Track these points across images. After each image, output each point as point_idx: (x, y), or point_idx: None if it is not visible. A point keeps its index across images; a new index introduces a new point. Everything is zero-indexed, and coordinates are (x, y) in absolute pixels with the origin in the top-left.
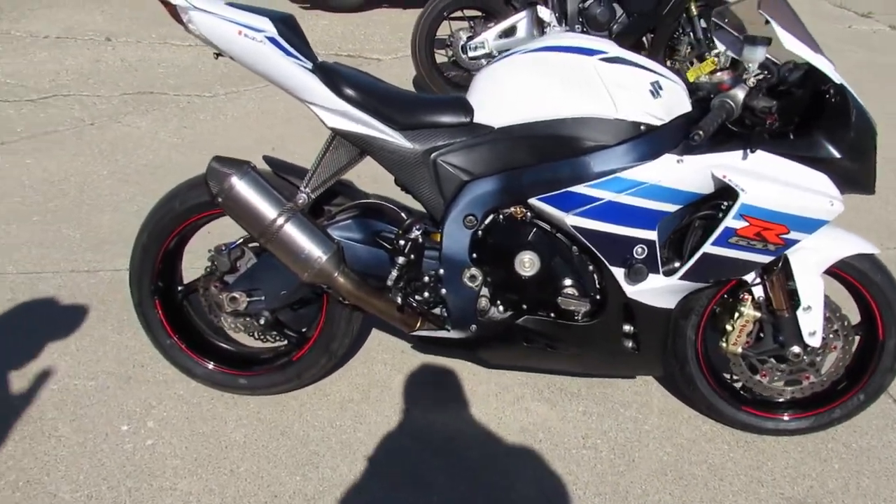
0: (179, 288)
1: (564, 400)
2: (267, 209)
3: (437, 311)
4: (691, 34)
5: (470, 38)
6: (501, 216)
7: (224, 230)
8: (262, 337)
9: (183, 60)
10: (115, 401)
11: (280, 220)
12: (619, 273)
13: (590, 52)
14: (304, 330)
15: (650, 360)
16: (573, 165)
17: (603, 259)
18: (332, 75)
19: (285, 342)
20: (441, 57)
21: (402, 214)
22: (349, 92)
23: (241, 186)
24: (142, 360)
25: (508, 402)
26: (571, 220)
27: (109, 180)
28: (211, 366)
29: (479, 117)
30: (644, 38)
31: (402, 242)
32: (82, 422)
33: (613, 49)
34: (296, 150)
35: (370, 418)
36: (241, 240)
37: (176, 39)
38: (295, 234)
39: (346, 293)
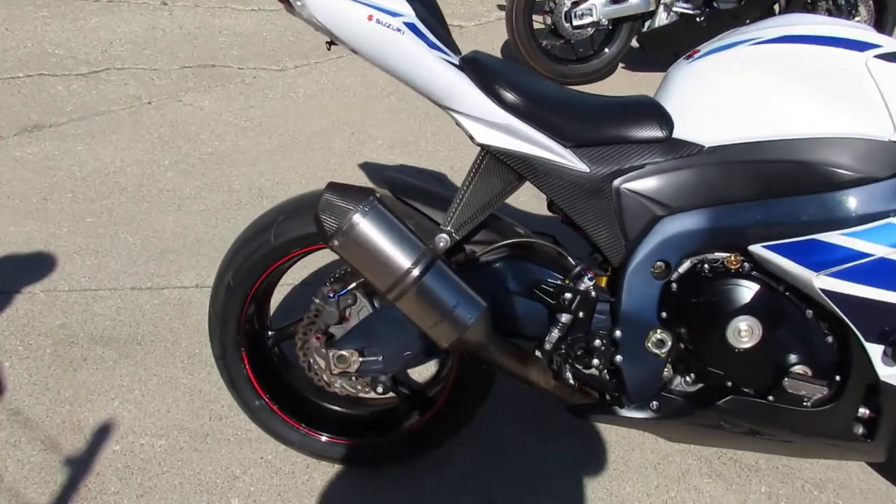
0: (270, 333)
1: (742, 476)
2: (399, 257)
3: (605, 378)
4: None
5: (575, 4)
6: (706, 265)
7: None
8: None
9: (245, 27)
10: (191, 468)
11: (416, 272)
12: (875, 350)
13: (858, 45)
14: (427, 391)
15: (879, 448)
16: (824, 204)
17: (857, 332)
18: (486, 74)
19: (402, 405)
20: (538, 24)
21: (568, 258)
22: (509, 96)
23: (366, 226)
24: (219, 411)
25: (672, 478)
26: (822, 282)
27: (171, 172)
28: (306, 430)
29: (682, 131)
30: (776, 6)
31: (567, 295)
32: (151, 498)
33: (889, 42)
34: (377, 134)
35: (505, 497)
36: (355, 284)
37: (237, 3)
38: (434, 289)
39: (493, 363)
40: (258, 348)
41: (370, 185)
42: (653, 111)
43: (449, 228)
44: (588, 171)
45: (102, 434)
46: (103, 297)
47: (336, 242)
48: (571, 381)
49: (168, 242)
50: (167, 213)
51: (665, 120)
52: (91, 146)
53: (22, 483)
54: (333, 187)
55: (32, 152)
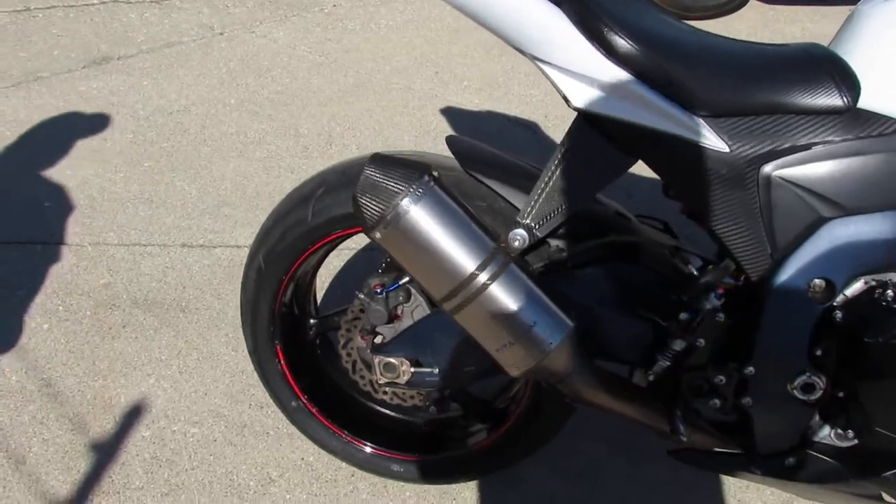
0: (312, 322)
1: None
2: (459, 258)
3: (727, 421)
4: None
5: None
6: (889, 290)
7: None
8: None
9: None
10: (223, 465)
11: (481, 279)
12: None
13: None
14: (497, 403)
15: None
16: None
17: None
18: (590, 10)
19: (465, 419)
20: None
21: (690, 265)
22: (620, 43)
23: (417, 215)
24: (260, 398)
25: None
26: None
27: (237, 112)
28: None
29: (872, 100)
30: None
31: (685, 316)
32: (177, 498)
33: None
34: (464, 74)
35: None
36: (409, 279)
37: None
38: (505, 302)
39: (577, 396)
40: (297, 340)
41: (451, 131)
42: (828, 68)
43: (528, 221)
44: (728, 150)
45: (133, 416)
46: (152, 254)
47: (378, 234)
48: (681, 423)
49: (226, 194)
50: (228, 159)
51: (847, 82)
52: (157, 81)
53: (44, 468)
54: (379, 160)
55: (98, 87)
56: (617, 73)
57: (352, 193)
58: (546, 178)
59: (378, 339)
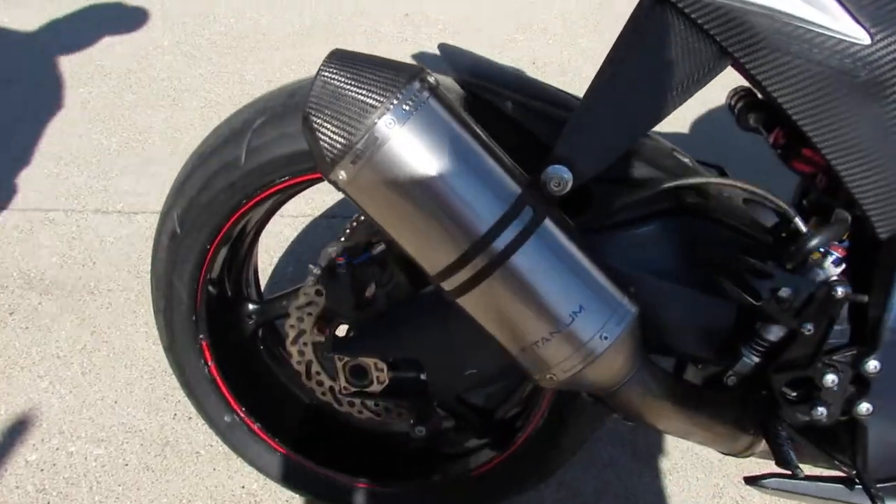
0: (251, 308)
1: None
2: (471, 208)
3: (833, 436)
4: None
5: None
6: None
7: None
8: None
9: None
10: (135, 497)
11: (505, 239)
12: None
13: None
14: (502, 413)
15: None
16: None
17: None
18: None
19: (460, 435)
20: None
21: (793, 220)
22: None
23: (406, 142)
24: (188, 407)
25: None
26: None
27: (170, 55)
28: (304, 461)
29: None
30: None
31: (785, 292)
32: None
33: None
34: (439, 16)
35: None
36: (384, 247)
37: None
38: (537, 275)
39: (636, 411)
40: (230, 333)
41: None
42: None
43: (570, 154)
44: (869, 41)
45: (16, 432)
46: (54, 222)
47: (343, 175)
48: (788, 448)
49: (153, 149)
50: (157, 108)
51: None
52: (74, 14)
53: None
54: (344, 58)
55: (9, 21)
56: None
57: (302, 114)
58: (595, 91)
59: (341, 333)
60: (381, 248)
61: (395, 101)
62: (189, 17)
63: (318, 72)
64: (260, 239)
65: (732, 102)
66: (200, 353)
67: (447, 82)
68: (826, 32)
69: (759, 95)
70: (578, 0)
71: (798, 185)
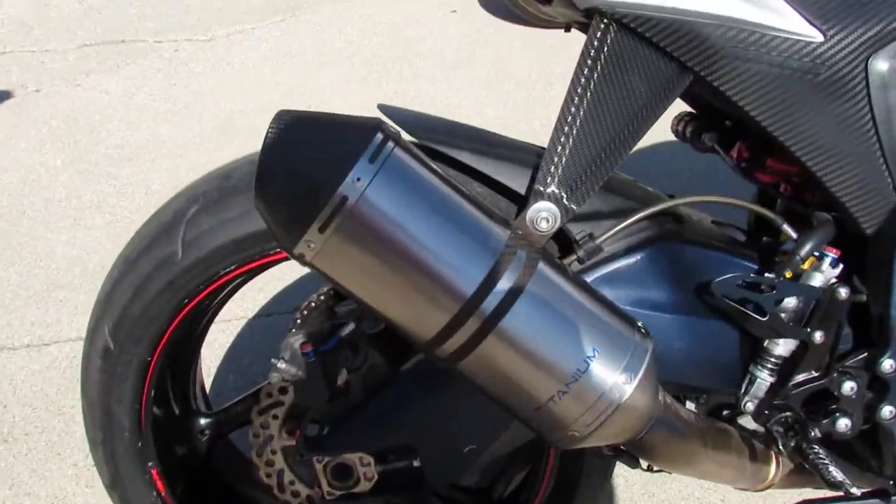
0: (202, 422)
1: None
2: (459, 261)
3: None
4: None
5: None
6: None
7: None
8: None
9: None
10: None
11: (503, 288)
12: None
13: None
14: (502, 491)
15: None
16: None
17: None
18: None
19: None
20: None
21: (783, 227)
22: None
23: (378, 200)
24: None
25: None
26: None
27: (65, 174)
28: None
29: None
30: None
31: (789, 302)
32: None
33: None
34: (343, 104)
35: None
36: (354, 326)
37: None
38: (544, 321)
39: (665, 455)
40: (183, 455)
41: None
42: None
43: (553, 188)
44: (822, 38)
45: None
46: None
47: (311, 246)
48: (832, 465)
49: (58, 274)
50: (58, 230)
51: None
52: None
53: None
54: (293, 120)
55: None
56: None
57: (254, 187)
58: (569, 120)
59: (314, 432)
60: (349, 328)
61: (359, 158)
62: (80, 134)
63: (266, 135)
64: (203, 343)
65: (680, 128)
66: (151, 484)
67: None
68: (781, 35)
69: (721, 108)
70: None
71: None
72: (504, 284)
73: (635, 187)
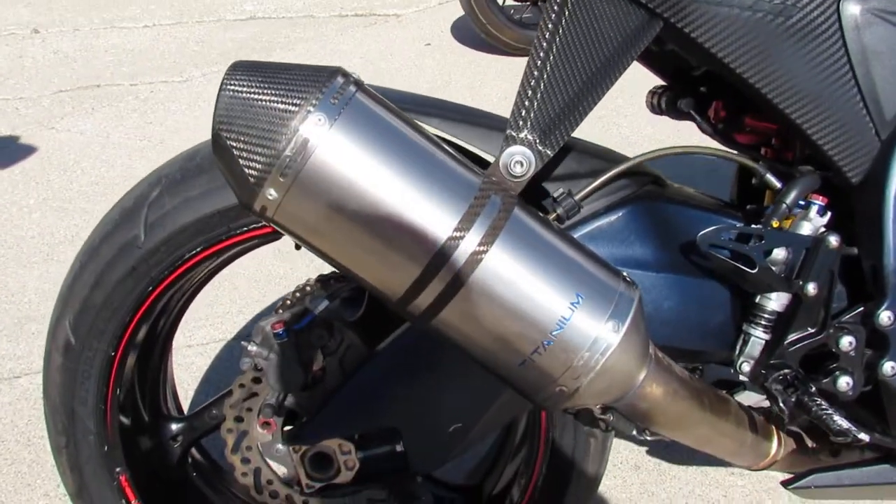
0: (175, 426)
1: None
2: (430, 207)
3: (861, 413)
4: None
5: None
6: None
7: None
8: None
9: (138, 44)
10: None
11: (475, 236)
12: None
13: None
14: (492, 488)
15: None
16: None
17: None
18: None
19: None
20: None
21: (766, 176)
22: None
23: (342, 144)
24: None
25: None
26: None
27: (38, 212)
28: None
29: None
30: None
31: (779, 254)
32: None
33: None
34: None
35: None
36: (328, 303)
37: (126, 21)
38: (522, 269)
39: (662, 417)
40: (154, 461)
41: None
42: None
43: (526, 133)
44: None
45: None
46: None
47: (270, 197)
48: (839, 415)
49: (29, 307)
50: (30, 266)
51: None
52: None
53: None
54: (250, 68)
55: None
56: None
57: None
58: (538, 65)
59: (291, 423)
60: (322, 305)
61: (321, 97)
62: (54, 173)
63: (221, 85)
64: (170, 353)
65: (655, 102)
66: (119, 491)
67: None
68: None
69: (694, 60)
70: None
71: (734, 183)
72: (478, 231)
73: (613, 153)
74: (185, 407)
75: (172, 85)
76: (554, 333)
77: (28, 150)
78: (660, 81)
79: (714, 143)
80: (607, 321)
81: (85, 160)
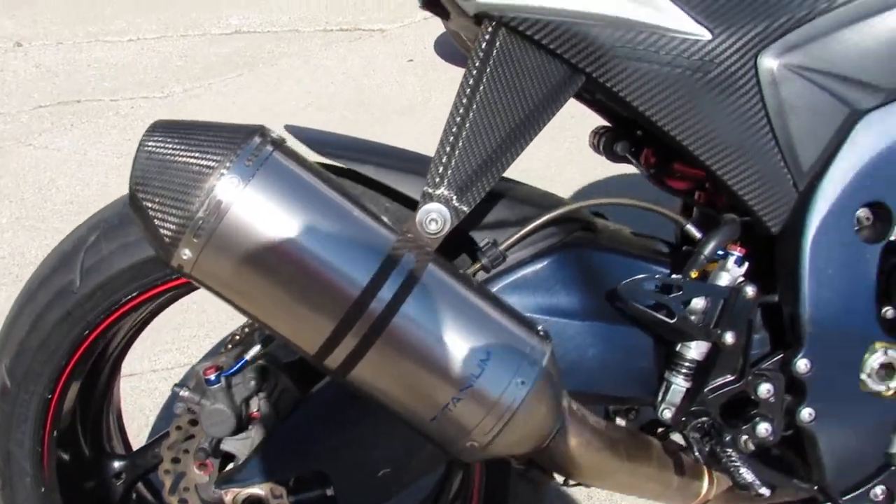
0: (117, 465)
1: None
2: (344, 265)
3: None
4: None
5: None
6: None
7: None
8: None
9: (121, 58)
10: None
11: (388, 292)
12: None
13: None
14: None
15: None
16: None
17: None
18: None
19: None
20: None
21: (686, 227)
22: None
23: (256, 203)
24: None
25: None
26: None
27: (9, 232)
28: None
29: None
30: None
31: (698, 303)
32: None
33: None
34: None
35: None
36: (259, 348)
37: (110, 35)
38: (432, 326)
39: (578, 467)
40: (96, 499)
41: None
42: None
43: (443, 190)
44: (710, 37)
45: None
46: None
47: (186, 255)
48: (748, 467)
49: None
50: None
51: None
52: None
53: None
54: (169, 128)
55: None
56: None
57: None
58: (458, 121)
59: (226, 464)
60: (254, 350)
61: (235, 159)
62: (28, 191)
63: (139, 145)
64: (120, 378)
65: (595, 142)
66: None
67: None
68: (668, 34)
69: (621, 112)
70: None
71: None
72: (391, 288)
73: (546, 197)
74: (147, 434)
75: (153, 101)
76: (463, 390)
77: (3, 167)
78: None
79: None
80: (515, 377)
81: (61, 178)
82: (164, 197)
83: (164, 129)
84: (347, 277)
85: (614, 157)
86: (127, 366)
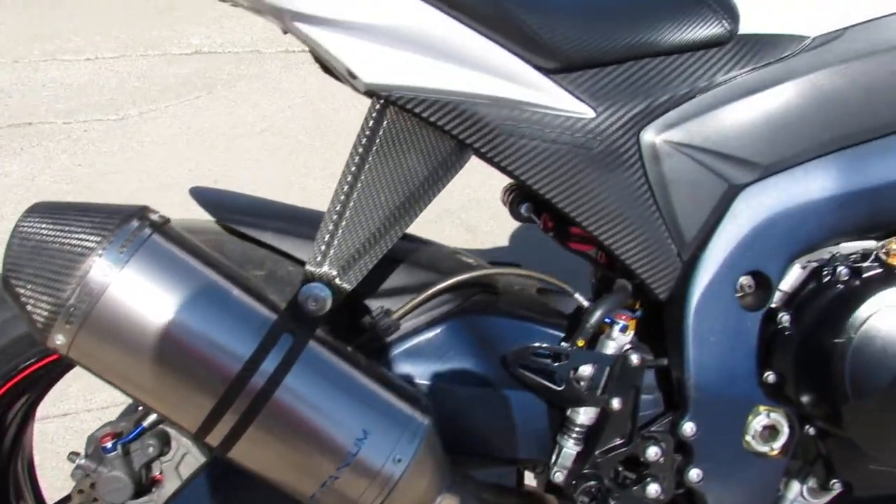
0: None
1: None
2: (215, 348)
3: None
4: None
5: None
6: (841, 267)
7: None
8: None
9: (77, 78)
10: None
11: (266, 368)
12: None
13: None
14: None
15: None
16: None
17: None
18: None
19: None
20: None
21: (574, 297)
22: None
23: (129, 289)
24: None
25: None
26: None
27: None
28: None
29: (756, 21)
30: None
31: (585, 370)
32: None
33: None
34: (250, 177)
35: None
36: (151, 421)
37: (68, 54)
38: (309, 404)
39: None
40: None
41: None
42: None
43: (326, 269)
44: (593, 114)
45: None
46: None
47: (61, 339)
48: None
49: None
50: None
51: (722, 3)
52: None
53: None
54: (41, 210)
55: None
56: (428, 17)
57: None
58: (342, 199)
59: None
60: (153, 416)
61: (108, 245)
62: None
63: (14, 229)
64: (25, 444)
65: (506, 198)
66: None
67: (208, 226)
68: (552, 112)
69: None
70: None
71: (591, 280)
72: (269, 366)
73: (448, 259)
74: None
75: (107, 123)
76: (340, 469)
77: None
78: None
79: None
80: (393, 454)
81: (6, 205)
82: (35, 283)
83: (41, 212)
84: (225, 357)
85: (519, 217)
86: (60, 405)
